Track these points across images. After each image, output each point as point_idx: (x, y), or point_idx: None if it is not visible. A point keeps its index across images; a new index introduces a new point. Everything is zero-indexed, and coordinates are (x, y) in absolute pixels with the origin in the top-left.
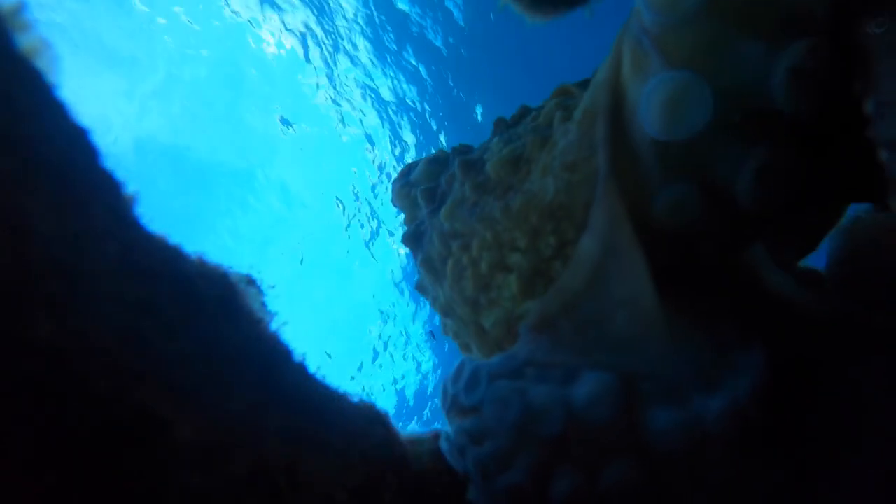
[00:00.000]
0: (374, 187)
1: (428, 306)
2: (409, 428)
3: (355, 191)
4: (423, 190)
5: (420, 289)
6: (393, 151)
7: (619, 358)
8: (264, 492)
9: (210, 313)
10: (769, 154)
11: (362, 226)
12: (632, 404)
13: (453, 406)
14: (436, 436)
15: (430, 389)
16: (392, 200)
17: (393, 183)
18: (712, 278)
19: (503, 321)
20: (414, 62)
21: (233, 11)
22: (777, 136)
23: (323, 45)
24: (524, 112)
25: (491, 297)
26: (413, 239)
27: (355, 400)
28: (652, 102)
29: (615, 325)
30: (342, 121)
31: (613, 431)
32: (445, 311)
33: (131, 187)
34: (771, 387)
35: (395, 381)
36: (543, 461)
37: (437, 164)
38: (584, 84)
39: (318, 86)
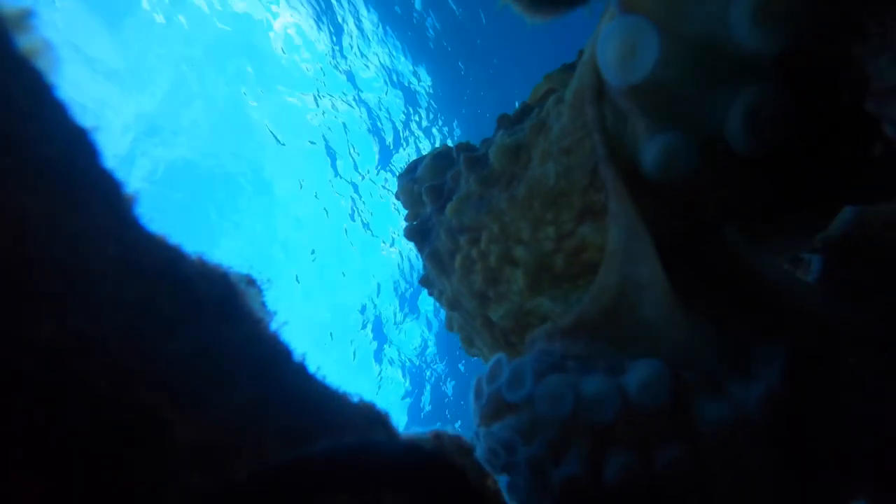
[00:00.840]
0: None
1: None
2: None
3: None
4: (429, 188)
5: (425, 283)
6: None
7: (652, 347)
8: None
9: (210, 313)
10: (755, 95)
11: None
12: (680, 389)
13: (493, 403)
14: (436, 436)
15: None
16: (396, 195)
17: (399, 178)
18: (715, 270)
19: (511, 314)
20: None
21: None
22: (761, 78)
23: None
24: (526, 109)
25: (500, 290)
26: (417, 234)
27: (355, 400)
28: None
29: (644, 310)
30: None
31: (666, 414)
32: (452, 304)
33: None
34: (797, 373)
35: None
36: (597, 449)
37: (442, 160)
38: (564, 69)
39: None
